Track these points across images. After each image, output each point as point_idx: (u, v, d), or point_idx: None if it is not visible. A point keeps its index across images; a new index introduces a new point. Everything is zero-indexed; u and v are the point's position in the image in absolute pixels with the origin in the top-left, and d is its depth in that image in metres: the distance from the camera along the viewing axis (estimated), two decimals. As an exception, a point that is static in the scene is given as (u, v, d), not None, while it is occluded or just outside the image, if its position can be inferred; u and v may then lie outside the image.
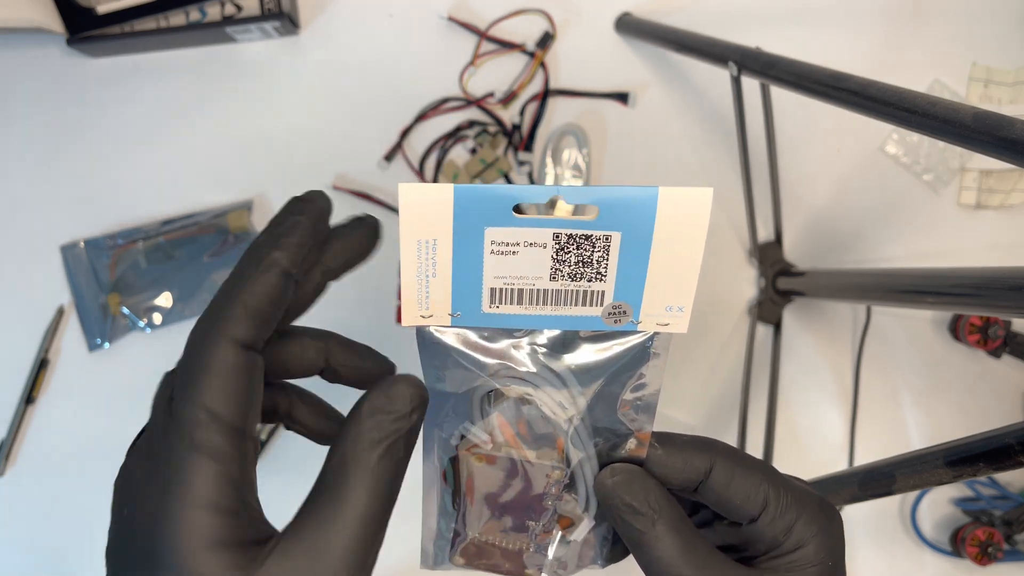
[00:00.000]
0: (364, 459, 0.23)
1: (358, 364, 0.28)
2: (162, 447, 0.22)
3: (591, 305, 0.27)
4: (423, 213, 0.25)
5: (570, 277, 0.27)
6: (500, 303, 0.27)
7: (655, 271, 0.26)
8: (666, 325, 0.27)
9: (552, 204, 0.27)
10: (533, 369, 0.28)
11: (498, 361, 0.28)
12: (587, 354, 0.28)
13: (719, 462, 0.28)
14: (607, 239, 0.26)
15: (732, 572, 0.27)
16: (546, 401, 0.29)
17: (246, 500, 0.22)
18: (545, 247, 0.26)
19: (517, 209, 0.25)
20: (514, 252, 0.26)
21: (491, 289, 0.27)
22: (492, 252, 0.26)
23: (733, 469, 0.28)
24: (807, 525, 0.28)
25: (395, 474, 0.24)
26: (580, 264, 0.26)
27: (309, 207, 0.26)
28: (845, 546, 0.29)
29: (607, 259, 0.26)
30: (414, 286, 0.27)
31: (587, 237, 0.26)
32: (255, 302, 0.23)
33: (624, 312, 0.27)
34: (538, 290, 0.27)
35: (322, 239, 0.26)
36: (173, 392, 0.23)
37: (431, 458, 0.29)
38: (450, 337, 0.28)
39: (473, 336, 0.28)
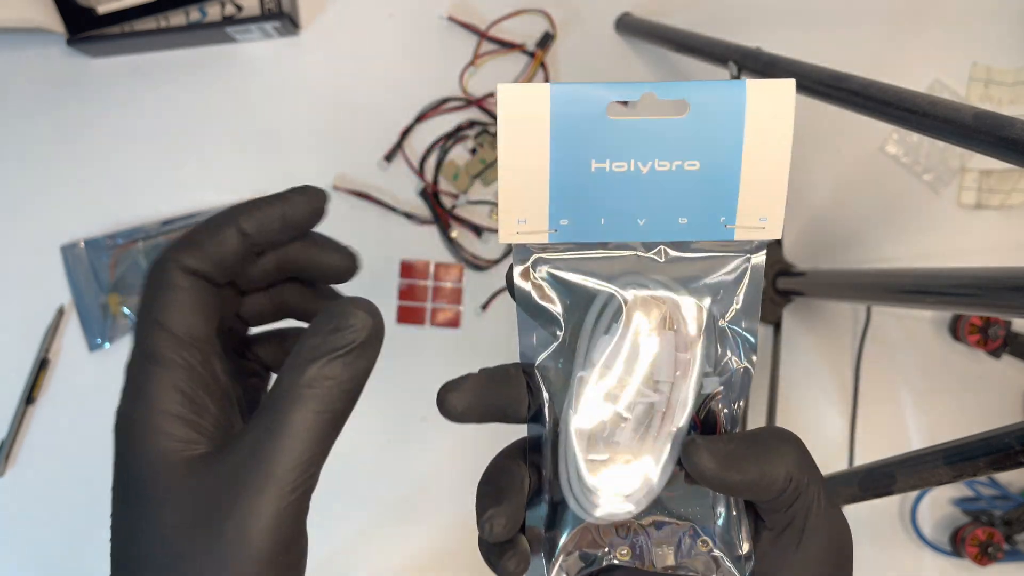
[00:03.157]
0: (299, 379, 0.24)
1: (321, 259, 0.30)
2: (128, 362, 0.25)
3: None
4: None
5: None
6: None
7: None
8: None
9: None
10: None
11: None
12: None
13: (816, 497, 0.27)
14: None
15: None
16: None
17: (201, 406, 0.24)
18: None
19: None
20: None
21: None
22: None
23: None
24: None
25: (332, 396, 0.24)
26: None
27: (298, 198, 0.29)
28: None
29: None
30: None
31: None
32: (204, 240, 0.26)
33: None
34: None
35: (294, 231, 0.29)
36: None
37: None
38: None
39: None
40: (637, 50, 0.87)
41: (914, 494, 0.88)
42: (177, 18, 0.81)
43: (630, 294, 0.27)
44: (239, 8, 0.81)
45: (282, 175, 0.85)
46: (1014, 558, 0.85)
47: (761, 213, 0.27)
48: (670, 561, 0.28)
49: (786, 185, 0.26)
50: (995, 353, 0.86)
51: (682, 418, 0.27)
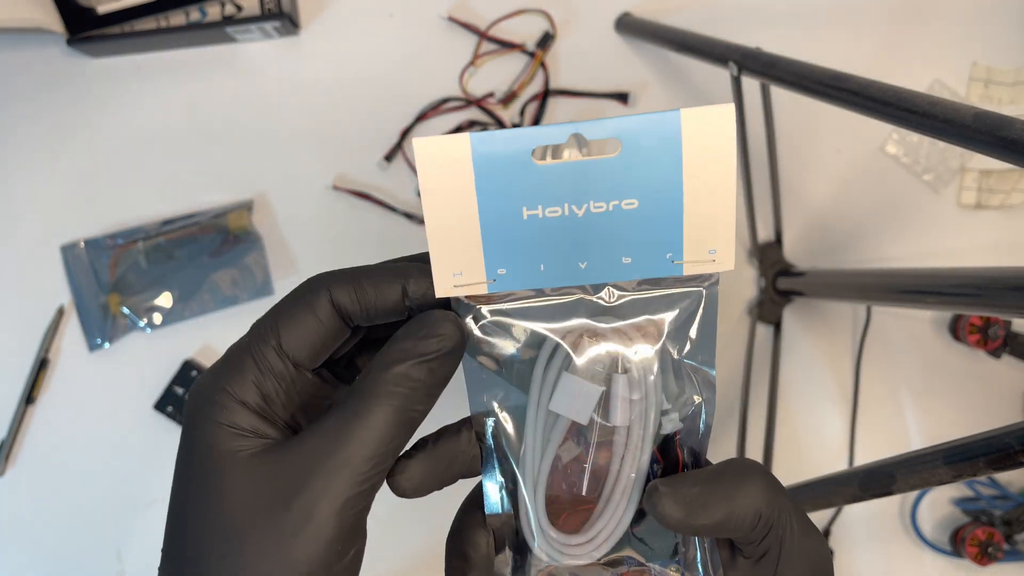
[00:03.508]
0: (383, 375, 0.24)
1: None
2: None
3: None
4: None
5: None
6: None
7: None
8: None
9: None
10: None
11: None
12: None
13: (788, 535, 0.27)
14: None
15: None
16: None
17: (277, 403, 0.26)
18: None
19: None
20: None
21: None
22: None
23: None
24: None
25: (413, 397, 0.25)
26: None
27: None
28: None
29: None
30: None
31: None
32: (367, 286, 0.26)
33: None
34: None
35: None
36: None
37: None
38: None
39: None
40: (637, 50, 0.87)
41: (914, 494, 0.88)
42: (177, 18, 0.81)
43: (577, 339, 0.27)
44: (239, 8, 0.81)
45: (282, 175, 0.85)
46: (1014, 558, 0.85)
47: (709, 245, 0.25)
48: None
49: (733, 214, 0.25)
50: (995, 353, 0.86)
51: (642, 459, 0.27)
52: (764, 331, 0.87)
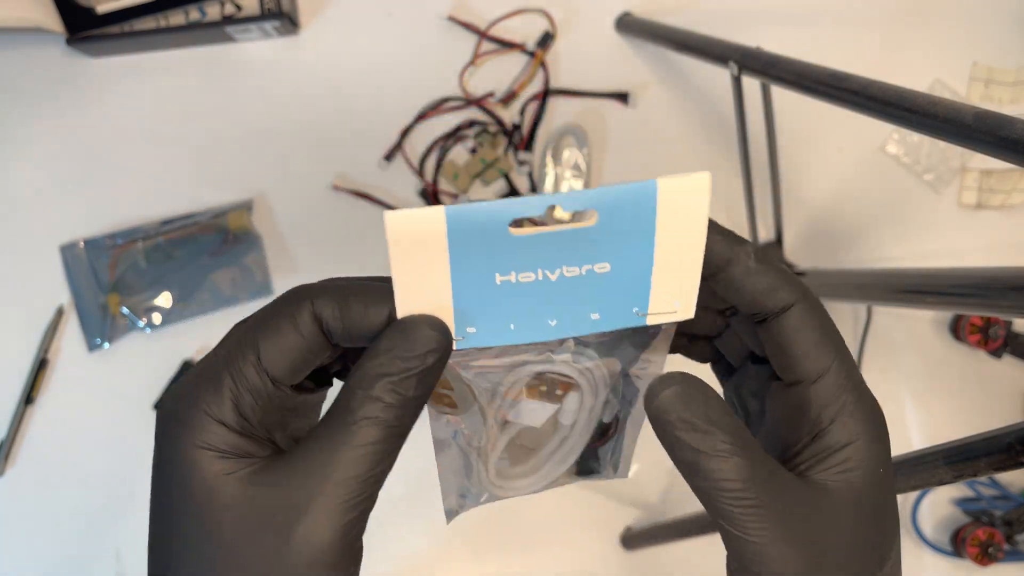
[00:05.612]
0: (370, 393, 0.24)
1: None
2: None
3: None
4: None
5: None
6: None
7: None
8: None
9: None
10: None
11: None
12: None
13: (801, 304, 0.26)
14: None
15: (796, 492, 0.24)
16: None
17: (256, 422, 0.24)
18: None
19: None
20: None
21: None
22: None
23: (810, 319, 0.26)
24: (861, 418, 0.25)
25: (401, 412, 0.24)
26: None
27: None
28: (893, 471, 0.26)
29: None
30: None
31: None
32: (353, 302, 0.25)
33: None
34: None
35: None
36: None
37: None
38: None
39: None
40: (637, 50, 0.87)
41: (915, 494, 0.88)
42: (177, 18, 0.81)
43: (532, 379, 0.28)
44: (239, 8, 0.81)
45: (282, 175, 0.85)
46: (1014, 558, 0.85)
47: (674, 298, 0.26)
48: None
49: (700, 270, 0.25)
50: (996, 353, 0.86)
51: (582, 440, 0.30)
52: (764, 331, 0.87)
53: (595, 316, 0.26)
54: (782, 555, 0.24)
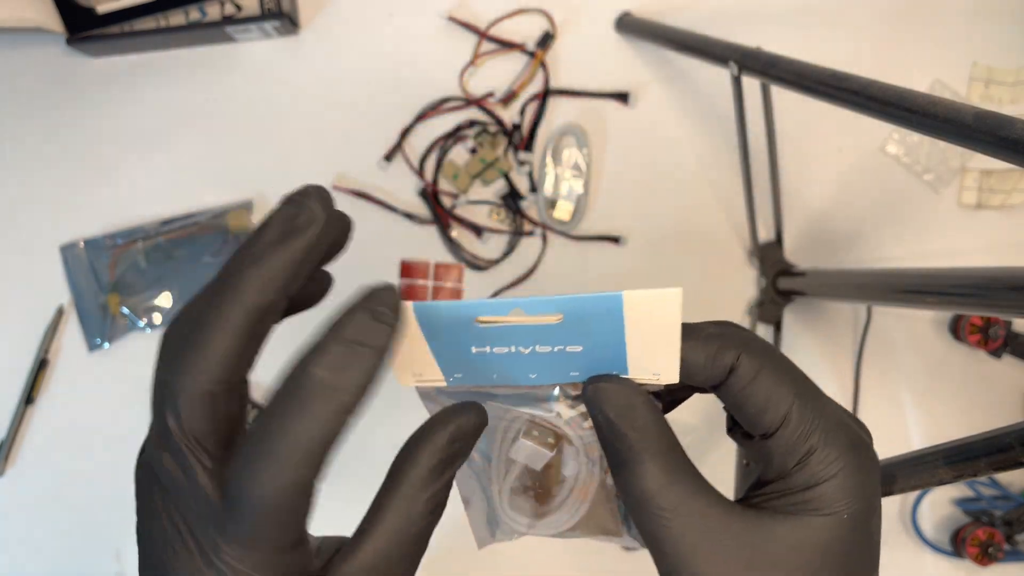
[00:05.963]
0: (416, 487, 0.24)
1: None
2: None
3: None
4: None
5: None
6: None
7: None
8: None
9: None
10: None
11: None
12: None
13: (746, 357, 0.25)
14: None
15: (719, 509, 0.24)
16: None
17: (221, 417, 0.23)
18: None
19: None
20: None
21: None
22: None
23: (760, 369, 0.25)
24: (829, 460, 0.24)
25: (441, 498, 0.25)
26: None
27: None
28: (880, 501, 0.26)
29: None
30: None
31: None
32: (279, 270, 0.23)
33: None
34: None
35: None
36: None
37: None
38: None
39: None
40: (637, 50, 0.87)
41: (914, 494, 0.88)
42: (177, 18, 0.81)
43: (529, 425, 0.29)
44: (239, 8, 0.81)
45: (282, 175, 0.85)
46: (1015, 558, 0.85)
47: (654, 369, 0.26)
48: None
49: (679, 346, 0.25)
50: (996, 353, 0.86)
51: (590, 488, 0.30)
52: (764, 331, 0.87)
53: (574, 374, 0.27)
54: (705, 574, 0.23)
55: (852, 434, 0.25)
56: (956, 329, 0.87)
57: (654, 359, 0.26)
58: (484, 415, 0.26)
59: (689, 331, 0.26)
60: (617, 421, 0.25)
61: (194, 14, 0.81)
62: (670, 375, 0.26)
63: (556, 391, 0.28)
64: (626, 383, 0.26)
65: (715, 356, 0.25)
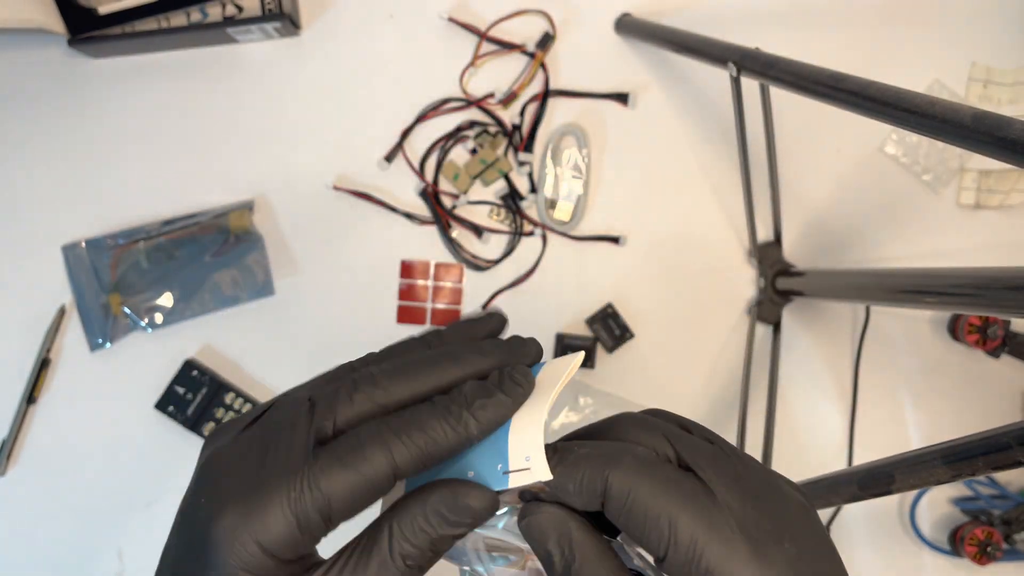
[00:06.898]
0: (409, 538, 0.25)
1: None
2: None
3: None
4: None
5: None
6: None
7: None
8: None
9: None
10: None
11: None
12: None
13: (615, 477, 0.23)
14: None
15: None
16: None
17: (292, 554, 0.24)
18: None
19: None
20: None
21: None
22: None
23: (631, 488, 0.23)
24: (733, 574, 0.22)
25: (417, 558, 0.25)
26: None
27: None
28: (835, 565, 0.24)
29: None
30: None
31: None
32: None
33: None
34: None
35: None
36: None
37: None
38: None
39: None
40: (637, 50, 0.87)
41: (913, 494, 0.88)
42: (178, 19, 0.81)
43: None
44: (240, 9, 0.81)
45: (282, 175, 0.85)
46: (1013, 557, 0.85)
47: (525, 453, 0.26)
48: None
49: (543, 429, 0.26)
50: (994, 353, 0.86)
51: None
52: (763, 331, 0.87)
53: (471, 474, 0.27)
54: None
55: (764, 530, 0.22)
56: (954, 329, 0.87)
57: (526, 433, 0.26)
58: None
59: (560, 454, 0.25)
60: (550, 547, 0.25)
61: (195, 15, 0.81)
62: (538, 461, 0.25)
63: (504, 508, 0.28)
64: (551, 509, 0.25)
65: (582, 482, 0.24)
